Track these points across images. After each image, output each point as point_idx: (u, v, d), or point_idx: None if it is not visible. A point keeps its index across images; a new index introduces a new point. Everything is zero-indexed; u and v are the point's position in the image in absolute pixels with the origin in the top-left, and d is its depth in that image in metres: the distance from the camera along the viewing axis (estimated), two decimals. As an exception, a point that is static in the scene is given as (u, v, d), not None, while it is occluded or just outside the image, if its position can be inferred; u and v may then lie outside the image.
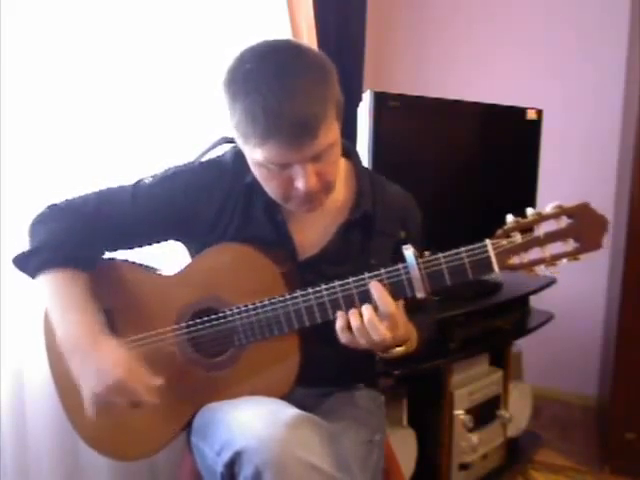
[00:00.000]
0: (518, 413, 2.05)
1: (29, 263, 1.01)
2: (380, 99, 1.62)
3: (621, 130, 2.43)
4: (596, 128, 2.49)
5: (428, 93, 1.78)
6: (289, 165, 0.91)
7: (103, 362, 0.94)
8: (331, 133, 0.91)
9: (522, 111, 1.93)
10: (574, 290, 2.40)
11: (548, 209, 0.87)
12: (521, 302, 2.01)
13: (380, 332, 0.91)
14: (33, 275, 1.01)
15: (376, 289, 0.92)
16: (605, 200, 2.42)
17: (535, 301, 2.10)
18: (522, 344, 2.13)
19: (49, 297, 1.00)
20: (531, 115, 1.94)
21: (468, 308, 1.69)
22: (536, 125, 1.96)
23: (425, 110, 1.76)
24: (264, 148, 0.89)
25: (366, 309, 0.92)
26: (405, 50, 2.81)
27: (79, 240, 1.02)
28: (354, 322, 0.92)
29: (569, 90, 2.52)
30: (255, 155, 0.92)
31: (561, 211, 0.87)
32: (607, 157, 2.47)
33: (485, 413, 1.85)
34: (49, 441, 1.31)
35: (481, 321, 1.81)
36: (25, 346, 1.28)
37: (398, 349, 0.98)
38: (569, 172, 2.53)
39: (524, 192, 1.96)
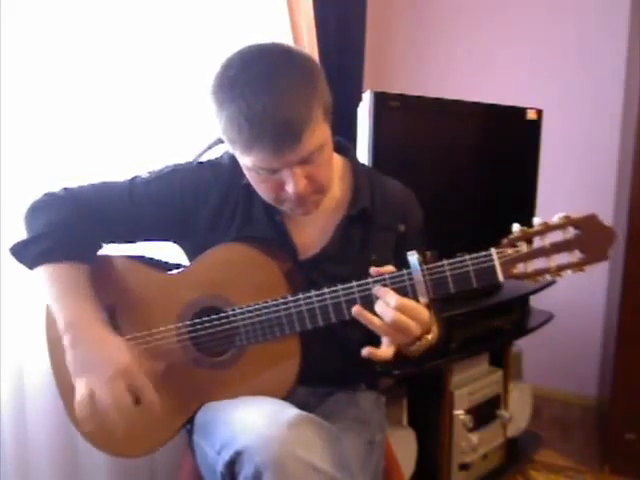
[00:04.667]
0: (518, 413, 2.05)
1: (27, 253, 1.00)
2: (380, 99, 1.62)
3: (621, 130, 2.43)
4: (596, 128, 2.50)
5: (428, 93, 1.78)
6: (278, 169, 0.91)
7: (112, 348, 0.93)
8: (318, 135, 0.90)
9: (522, 111, 1.93)
10: (574, 290, 2.40)
11: (555, 219, 0.87)
12: (521, 302, 2.02)
13: (406, 323, 0.88)
14: (31, 266, 1.00)
15: (380, 291, 0.91)
16: (605, 200, 2.43)
17: (535, 301, 2.10)
18: (522, 344, 2.13)
19: (49, 288, 0.98)
20: (531, 115, 1.93)
21: (468, 308, 1.69)
22: (536, 125, 1.96)
23: (425, 110, 1.76)
24: (250, 154, 0.89)
25: (380, 306, 0.90)
26: (405, 50, 2.81)
27: (77, 232, 1.01)
28: (376, 321, 0.89)
29: (569, 90, 2.52)
30: (243, 160, 0.93)
31: (568, 222, 0.86)
32: (607, 157, 2.47)
33: (485, 413, 1.85)
34: (49, 441, 1.31)
35: (481, 321, 1.81)
36: (25, 346, 1.28)
37: (428, 337, 0.96)
38: (569, 172, 2.53)
39: (524, 192, 1.95)
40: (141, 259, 1.11)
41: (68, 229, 1.01)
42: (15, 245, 1.01)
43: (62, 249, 0.99)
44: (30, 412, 1.29)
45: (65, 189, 1.06)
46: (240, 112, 0.85)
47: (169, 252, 1.17)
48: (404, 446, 1.69)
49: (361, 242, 1.08)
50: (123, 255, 1.11)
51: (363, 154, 1.62)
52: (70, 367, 0.95)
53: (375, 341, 0.94)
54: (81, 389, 0.94)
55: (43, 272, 0.99)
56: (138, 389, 0.94)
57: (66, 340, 0.95)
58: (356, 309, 0.91)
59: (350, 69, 2.19)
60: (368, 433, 1.06)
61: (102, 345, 0.94)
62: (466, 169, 1.87)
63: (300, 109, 0.86)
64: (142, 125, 1.51)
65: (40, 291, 1.02)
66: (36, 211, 1.04)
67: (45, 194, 1.05)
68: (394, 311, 0.88)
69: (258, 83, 0.86)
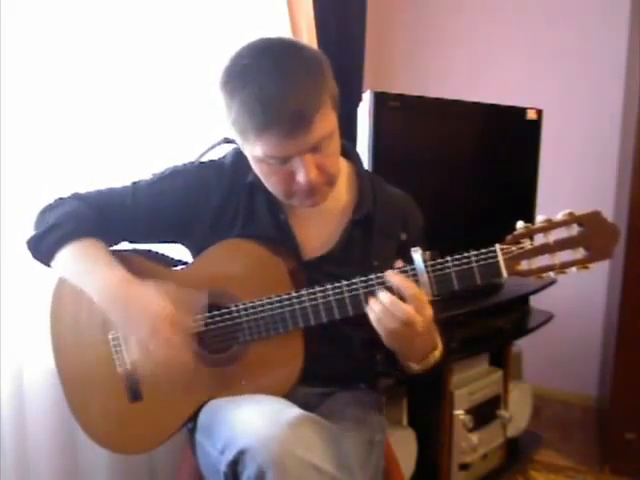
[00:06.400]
0: (518, 413, 2.05)
1: (44, 243, 1.02)
2: (380, 99, 1.62)
3: (621, 130, 2.43)
4: (596, 128, 2.50)
5: (428, 93, 1.78)
6: (289, 159, 0.92)
7: (149, 299, 0.96)
8: (327, 123, 0.92)
9: (522, 111, 1.93)
10: (574, 290, 2.40)
11: (559, 216, 0.87)
12: (521, 302, 2.02)
13: (404, 310, 0.88)
14: (51, 253, 1.02)
15: (392, 276, 0.91)
16: (605, 200, 2.43)
17: (535, 301, 2.10)
18: (522, 344, 2.13)
19: (75, 263, 1.01)
20: (531, 115, 1.94)
21: (468, 308, 1.69)
22: (536, 125, 1.96)
23: (425, 110, 1.76)
24: (262, 141, 0.89)
25: (384, 294, 0.90)
26: (405, 50, 2.81)
27: (92, 221, 1.04)
28: (376, 306, 0.90)
29: (569, 90, 2.52)
30: (254, 150, 0.93)
31: (572, 219, 0.86)
32: (607, 157, 2.47)
33: (485, 413, 1.85)
34: (49, 441, 1.31)
35: (481, 321, 1.81)
36: (25, 346, 1.28)
37: (436, 353, 0.98)
38: (569, 172, 2.53)
39: (524, 192, 1.95)
40: (147, 254, 1.12)
41: (81, 217, 1.04)
42: (31, 238, 1.04)
43: (80, 229, 1.02)
44: (30, 412, 1.29)
45: (73, 194, 1.09)
46: (252, 96, 0.87)
47: (174, 250, 1.17)
48: (404, 446, 1.68)
49: (363, 247, 1.08)
50: (128, 249, 1.11)
51: (363, 154, 1.62)
52: (120, 331, 1.00)
53: (377, 341, 0.94)
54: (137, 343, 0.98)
55: (65, 253, 1.01)
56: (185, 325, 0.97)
57: (105, 305, 0.98)
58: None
59: (350, 69, 2.19)
60: (368, 433, 1.06)
61: (142, 297, 0.96)
62: (466, 169, 1.87)
63: (311, 94, 0.88)
64: (144, 128, 1.51)
65: (63, 273, 1.05)
66: (47, 211, 1.06)
67: (55, 199, 1.08)
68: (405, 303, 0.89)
69: (269, 70, 0.88)
